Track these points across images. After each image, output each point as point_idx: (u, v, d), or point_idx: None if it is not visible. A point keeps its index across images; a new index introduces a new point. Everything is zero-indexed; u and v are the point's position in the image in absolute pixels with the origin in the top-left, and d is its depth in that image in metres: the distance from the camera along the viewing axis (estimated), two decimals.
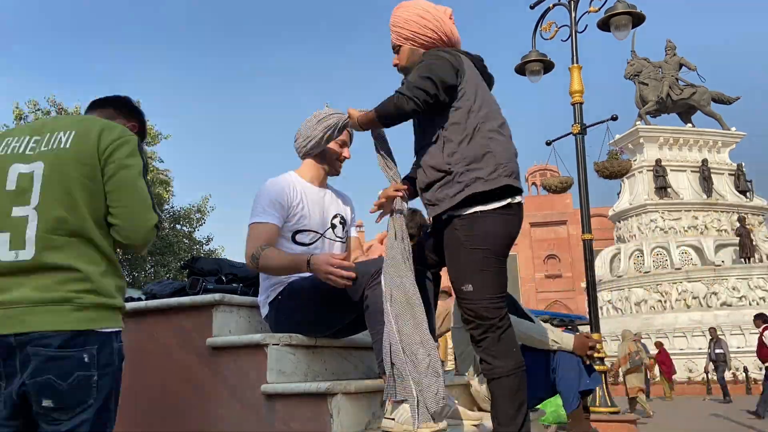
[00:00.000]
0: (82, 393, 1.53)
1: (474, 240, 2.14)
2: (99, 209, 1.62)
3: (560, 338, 3.09)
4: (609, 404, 5.86)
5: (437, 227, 2.31)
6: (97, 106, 1.95)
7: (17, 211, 1.58)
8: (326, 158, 2.61)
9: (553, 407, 5.23)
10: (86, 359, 1.54)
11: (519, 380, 2.12)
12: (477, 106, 2.21)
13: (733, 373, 15.94)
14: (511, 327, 2.19)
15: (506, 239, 2.19)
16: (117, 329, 1.61)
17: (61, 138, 1.63)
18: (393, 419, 2.08)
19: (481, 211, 2.14)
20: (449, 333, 5.33)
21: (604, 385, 5.92)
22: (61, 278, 1.55)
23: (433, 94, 2.14)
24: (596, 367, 5.60)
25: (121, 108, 1.96)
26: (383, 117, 2.22)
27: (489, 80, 2.42)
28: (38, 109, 21.27)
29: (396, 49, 2.41)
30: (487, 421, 2.29)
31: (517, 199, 2.21)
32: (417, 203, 2.65)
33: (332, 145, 2.59)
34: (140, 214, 1.63)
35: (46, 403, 1.52)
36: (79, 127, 1.65)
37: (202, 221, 24.18)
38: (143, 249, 1.69)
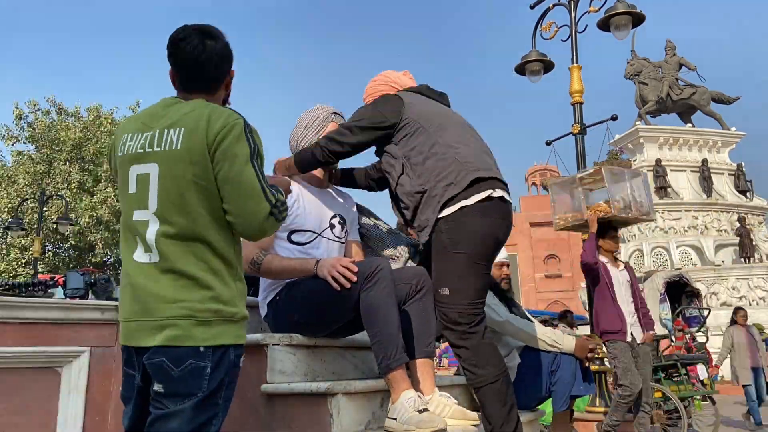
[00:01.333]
0: (193, 383, 1.50)
1: (457, 242, 2.16)
2: (218, 208, 1.58)
3: (561, 340, 3.12)
4: (609, 404, 5.87)
5: (428, 250, 2.34)
6: (190, 89, 1.70)
7: (138, 215, 1.58)
8: None
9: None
10: (201, 349, 1.51)
11: (505, 384, 2.12)
12: (428, 125, 2.32)
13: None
14: (488, 334, 2.18)
15: (491, 241, 2.20)
16: (234, 344, 1.59)
17: (172, 138, 1.57)
18: (395, 419, 2.08)
19: (464, 207, 2.17)
20: None
21: (604, 384, 5.93)
22: (184, 285, 1.53)
23: (345, 143, 2.34)
24: (596, 368, 5.64)
25: (204, 84, 1.70)
26: (300, 165, 2.44)
27: (442, 98, 2.58)
28: (38, 109, 21.26)
29: None
30: None
31: (498, 192, 2.22)
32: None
33: None
34: (249, 206, 1.58)
35: (157, 387, 1.51)
36: (188, 122, 1.59)
37: None
38: (265, 236, 1.66)
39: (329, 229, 2.58)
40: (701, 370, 9.60)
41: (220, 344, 1.54)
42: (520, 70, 7.25)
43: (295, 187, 2.54)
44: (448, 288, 2.15)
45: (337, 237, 2.61)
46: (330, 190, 2.69)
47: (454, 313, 2.14)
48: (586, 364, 3.14)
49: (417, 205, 2.26)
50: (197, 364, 1.51)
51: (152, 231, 1.55)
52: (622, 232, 22.24)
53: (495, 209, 2.21)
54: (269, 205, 1.60)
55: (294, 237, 2.48)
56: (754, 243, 19.66)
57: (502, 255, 3.30)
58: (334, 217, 2.61)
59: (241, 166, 1.57)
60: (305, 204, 2.53)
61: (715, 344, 15.09)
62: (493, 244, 2.21)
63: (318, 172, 2.63)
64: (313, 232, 2.52)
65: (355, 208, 2.78)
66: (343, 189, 2.82)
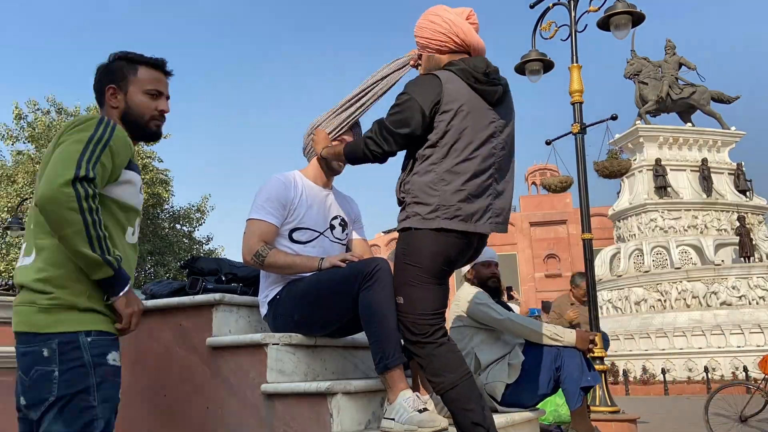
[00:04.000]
0: (43, 388, 1.50)
1: (408, 254, 2.14)
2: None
3: (563, 334, 3.14)
4: (609, 404, 5.87)
5: None
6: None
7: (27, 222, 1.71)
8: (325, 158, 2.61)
9: (552, 406, 5.24)
10: (45, 353, 1.52)
11: (467, 387, 2.07)
12: (452, 148, 2.13)
13: (732, 372, 15.93)
14: (445, 343, 2.12)
15: (441, 260, 2.13)
16: (79, 330, 1.56)
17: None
18: (393, 419, 2.08)
19: (415, 228, 2.13)
20: None
21: (604, 384, 5.93)
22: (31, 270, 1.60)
23: (387, 152, 2.20)
24: (596, 367, 5.64)
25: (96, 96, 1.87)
26: (350, 157, 2.33)
27: (492, 93, 2.21)
28: (38, 109, 21.24)
29: (420, 57, 2.39)
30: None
31: (462, 228, 2.12)
32: None
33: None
34: (55, 168, 1.52)
35: (21, 400, 1.55)
36: None
37: (202, 221, 24.20)
38: (55, 206, 1.49)
39: (329, 230, 2.58)
40: None
41: (62, 331, 1.54)
42: (520, 69, 7.25)
43: (299, 185, 2.54)
44: (402, 297, 2.14)
45: (337, 238, 2.61)
46: (333, 191, 2.69)
47: (408, 323, 2.12)
48: (587, 355, 3.17)
49: (399, 204, 2.25)
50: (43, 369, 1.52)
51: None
52: (622, 231, 22.25)
53: (449, 234, 2.12)
54: (77, 172, 1.48)
55: (295, 235, 2.49)
56: (753, 242, 19.67)
57: (488, 254, 3.33)
58: (335, 218, 2.61)
59: (71, 142, 1.56)
60: (308, 203, 2.53)
61: None
62: (443, 262, 2.13)
63: (323, 173, 2.64)
64: (315, 230, 2.53)
65: (357, 210, 2.78)
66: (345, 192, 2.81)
